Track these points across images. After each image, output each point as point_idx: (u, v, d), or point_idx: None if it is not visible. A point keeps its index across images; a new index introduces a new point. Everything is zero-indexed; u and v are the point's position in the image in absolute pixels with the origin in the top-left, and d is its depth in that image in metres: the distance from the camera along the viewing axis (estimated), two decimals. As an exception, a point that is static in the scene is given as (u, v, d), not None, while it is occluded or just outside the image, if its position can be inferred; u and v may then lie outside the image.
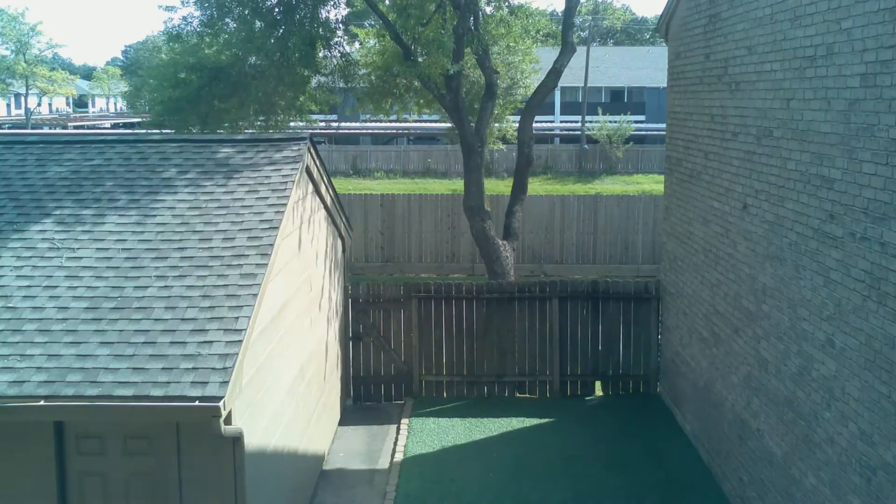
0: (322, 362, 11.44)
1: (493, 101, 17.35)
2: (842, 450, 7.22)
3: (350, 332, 13.53)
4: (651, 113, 58.02)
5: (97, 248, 8.04)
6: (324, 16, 18.03)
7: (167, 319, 7.15)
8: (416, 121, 46.74)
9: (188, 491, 6.94)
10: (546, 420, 12.73)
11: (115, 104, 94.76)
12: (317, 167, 10.48)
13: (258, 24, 17.08)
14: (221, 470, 6.90)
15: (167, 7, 18.79)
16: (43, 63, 65.87)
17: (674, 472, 10.98)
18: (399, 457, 11.39)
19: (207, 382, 6.52)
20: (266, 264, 7.74)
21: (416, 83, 17.12)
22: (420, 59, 16.01)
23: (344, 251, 13.15)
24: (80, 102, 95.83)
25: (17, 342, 6.93)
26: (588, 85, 51.23)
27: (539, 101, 17.36)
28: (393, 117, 23.64)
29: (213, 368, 6.64)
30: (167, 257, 7.90)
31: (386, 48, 18.95)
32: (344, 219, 12.71)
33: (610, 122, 46.52)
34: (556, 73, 16.68)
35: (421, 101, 20.53)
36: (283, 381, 8.97)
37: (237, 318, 7.13)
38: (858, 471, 6.93)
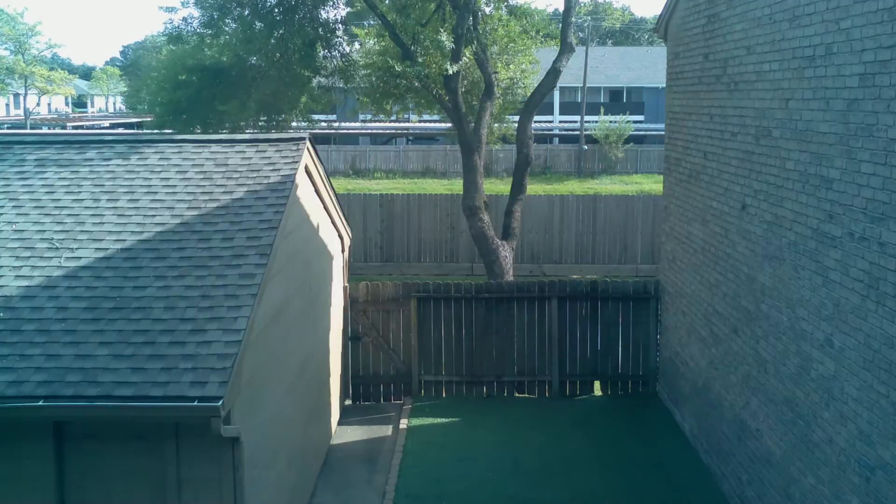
0: (321, 362, 11.45)
1: (492, 100, 17.36)
2: (840, 449, 7.23)
3: (349, 331, 13.53)
4: (650, 113, 58.02)
5: (96, 249, 8.04)
6: (323, 16, 18.06)
7: (166, 319, 7.15)
8: (415, 121, 46.79)
9: (187, 491, 6.94)
10: (545, 420, 12.72)
11: (114, 104, 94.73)
12: (316, 167, 10.48)
13: (258, 24, 17.10)
14: (220, 470, 6.90)
15: (167, 8, 18.81)
16: (42, 63, 65.84)
17: (673, 473, 10.98)
18: (398, 456, 11.39)
19: (206, 382, 6.53)
20: (265, 264, 7.75)
21: (416, 83, 17.14)
22: (419, 60, 16.02)
23: (343, 251, 13.15)
24: (79, 102, 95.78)
25: (17, 342, 6.93)
26: (587, 85, 51.25)
27: (538, 101, 17.38)
28: (393, 117, 23.66)
29: (212, 368, 6.65)
30: (166, 257, 7.91)
31: (386, 48, 18.98)
32: (343, 218, 12.71)
33: (609, 121, 46.54)
34: (555, 72, 16.70)
35: (421, 101, 20.56)
36: (283, 381, 8.97)
37: (236, 318, 7.14)
38: (857, 470, 6.93)
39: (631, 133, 46.93)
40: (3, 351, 6.84)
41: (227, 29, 17.94)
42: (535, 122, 25.28)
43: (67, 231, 8.29)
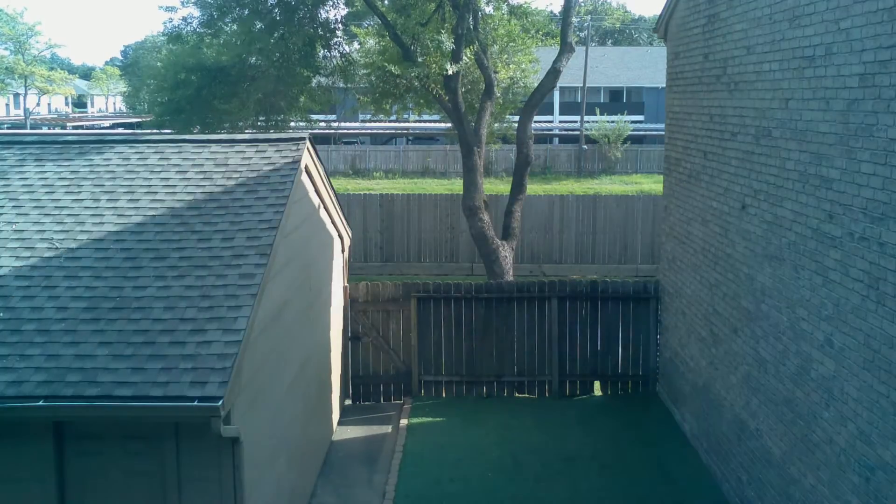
0: (321, 362, 11.44)
1: (491, 100, 17.36)
2: (840, 449, 7.23)
3: (349, 331, 13.53)
4: (650, 113, 58.06)
5: (96, 249, 8.04)
6: (323, 16, 18.04)
7: (166, 319, 7.16)
8: (415, 121, 46.81)
9: (187, 491, 6.94)
10: (545, 420, 12.73)
11: (114, 104, 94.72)
12: (316, 167, 10.48)
13: (258, 24, 17.08)
14: (220, 469, 6.90)
15: (167, 7, 18.77)
16: (42, 63, 65.85)
17: (673, 473, 10.98)
18: (398, 456, 11.39)
19: (206, 382, 6.53)
20: (265, 264, 7.75)
21: (416, 83, 17.15)
22: (419, 60, 16.02)
23: (343, 251, 13.15)
24: (79, 102, 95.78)
25: (17, 342, 6.94)
26: (587, 85, 51.25)
27: (538, 101, 17.37)
28: (392, 117, 23.63)
29: (212, 368, 6.65)
30: (166, 257, 7.91)
31: (385, 48, 18.96)
32: (343, 219, 12.71)
33: (609, 122, 46.56)
34: (554, 73, 16.70)
35: (420, 101, 20.54)
36: (283, 381, 8.97)
37: (236, 318, 7.14)
38: (857, 470, 6.93)
39: (631, 133, 46.97)
40: (3, 351, 6.84)
41: (226, 29, 17.93)
42: (535, 122, 25.27)
43: (67, 231, 8.29)
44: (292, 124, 21.24)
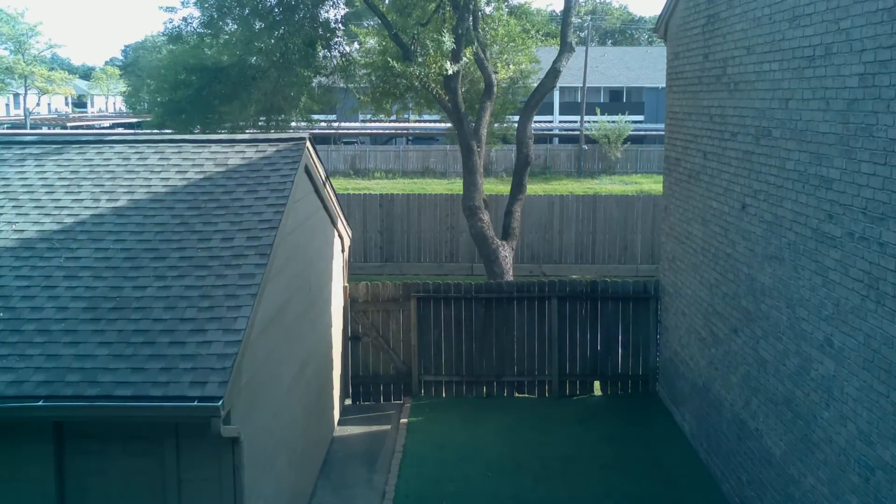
0: (321, 362, 11.44)
1: (491, 100, 17.37)
2: (840, 449, 7.23)
3: (349, 331, 13.53)
4: (650, 113, 58.10)
5: (96, 248, 8.04)
6: (323, 16, 18.05)
7: (166, 319, 7.16)
8: (415, 121, 46.80)
9: (187, 491, 6.94)
10: (545, 420, 12.73)
11: (114, 104, 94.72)
12: (316, 167, 10.48)
13: (258, 24, 17.10)
14: (220, 470, 6.90)
15: (167, 8, 18.77)
16: (42, 63, 65.88)
17: (672, 473, 10.98)
18: (398, 457, 11.39)
19: (206, 382, 6.53)
20: (265, 264, 7.75)
21: (416, 83, 17.15)
22: (419, 60, 16.02)
23: (343, 251, 13.15)
24: (79, 102, 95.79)
25: (16, 342, 6.94)
26: (587, 85, 51.27)
27: (538, 101, 17.37)
28: (392, 117, 23.65)
29: (212, 368, 6.65)
30: (166, 257, 7.91)
31: (386, 48, 18.97)
32: (343, 219, 12.71)
33: (609, 122, 46.58)
34: (554, 73, 16.70)
35: (421, 101, 20.55)
36: (283, 381, 8.98)
37: (236, 318, 7.14)
38: (857, 470, 6.93)
39: (630, 133, 47.00)
40: (3, 351, 6.84)
41: (227, 29, 17.94)
42: (535, 122, 25.32)
43: (67, 231, 8.29)
44: (293, 124, 21.26)
